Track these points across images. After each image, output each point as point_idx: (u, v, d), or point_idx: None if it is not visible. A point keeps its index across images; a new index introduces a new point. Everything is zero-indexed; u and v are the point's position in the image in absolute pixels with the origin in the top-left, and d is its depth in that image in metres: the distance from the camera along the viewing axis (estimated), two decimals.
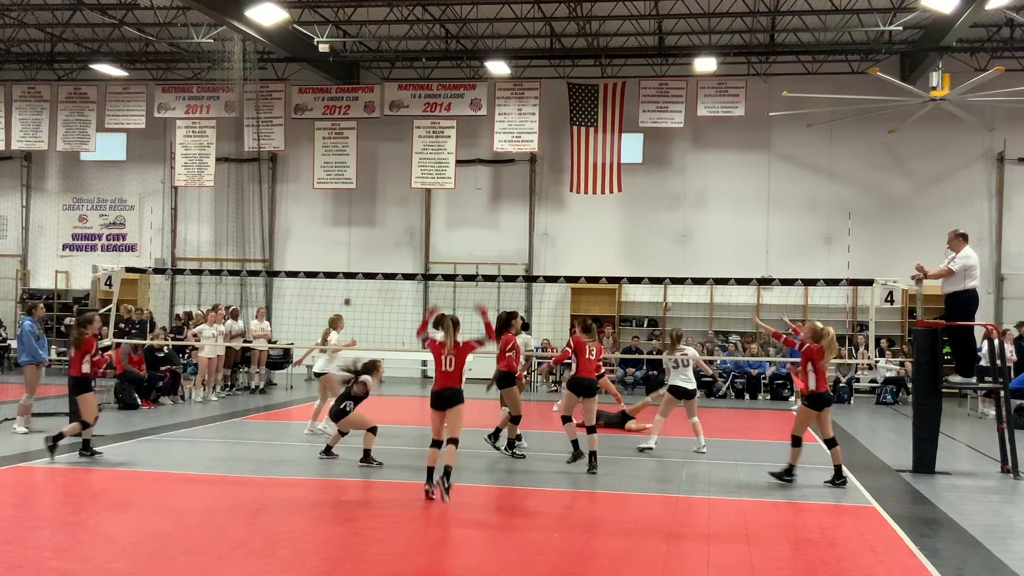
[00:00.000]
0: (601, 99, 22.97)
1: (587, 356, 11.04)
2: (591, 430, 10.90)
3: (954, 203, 22.59)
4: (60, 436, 11.02)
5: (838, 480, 10.42)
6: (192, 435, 13.53)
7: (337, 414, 11.14)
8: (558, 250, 24.35)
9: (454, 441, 9.28)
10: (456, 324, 9.50)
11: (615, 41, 23.12)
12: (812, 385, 10.43)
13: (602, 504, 9.56)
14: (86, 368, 11.35)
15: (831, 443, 10.54)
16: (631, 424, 14.99)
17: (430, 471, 9.28)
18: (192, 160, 24.48)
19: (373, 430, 10.99)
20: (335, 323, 14.21)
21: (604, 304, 23.68)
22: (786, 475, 10.54)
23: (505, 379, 11.81)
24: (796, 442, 10.50)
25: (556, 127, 23.79)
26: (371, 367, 11.33)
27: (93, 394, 11.49)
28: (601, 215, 23.99)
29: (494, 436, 12.11)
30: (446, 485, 8.99)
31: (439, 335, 9.57)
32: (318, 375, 13.79)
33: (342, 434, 11.36)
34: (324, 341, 13.97)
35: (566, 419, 11.14)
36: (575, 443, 10.87)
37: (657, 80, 23.21)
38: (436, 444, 9.33)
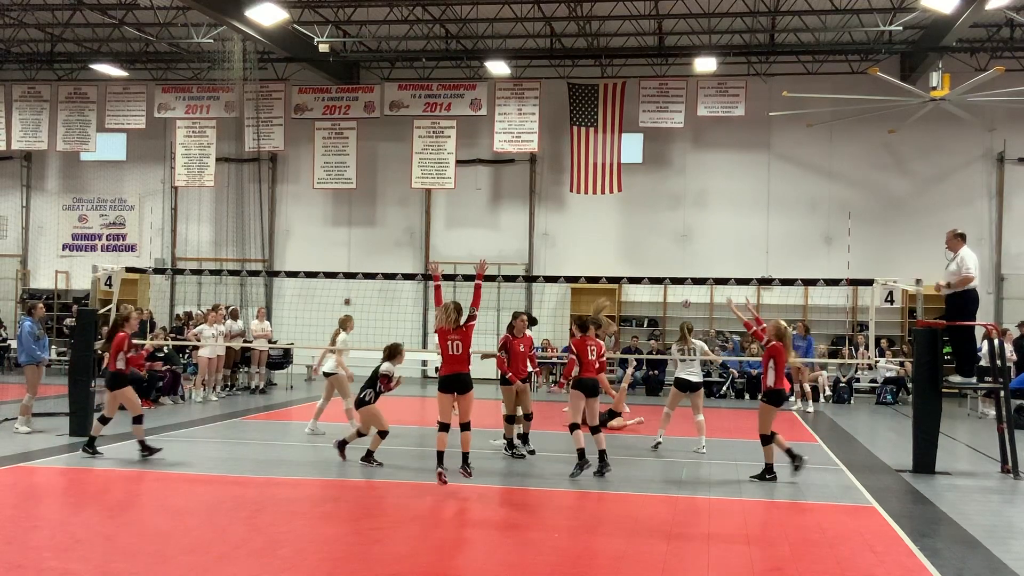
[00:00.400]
0: (601, 99, 22.96)
1: (588, 357, 11.03)
2: (595, 430, 10.86)
3: (954, 203, 22.61)
4: (142, 442, 11.27)
5: (768, 475, 10.63)
6: (192, 435, 13.53)
7: (359, 403, 11.12)
8: (558, 250, 24.36)
9: (467, 427, 9.90)
10: (459, 309, 9.94)
11: (615, 41, 23.12)
12: (771, 382, 10.64)
13: (602, 504, 9.56)
14: (120, 364, 11.36)
15: (768, 439, 10.74)
16: (614, 423, 15.01)
17: (440, 455, 9.63)
18: (192, 160, 24.48)
19: (383, 434, 10.97)
20: (345, 323, 14.15)
21: None
22: (767, 474, 10.65)
23: (501, 378, 12.10)
24: (766, 440, 10.71)
25: (556, 127, 23.79)
26: (393, 351, 11.27)
27: (130, 388, 11.49)
28: (601, 215, 23.98)
29: (523, 440, 12.10)
30: (469, 470, 9.71)
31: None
32: (327, 375, 13.75)
33: (360, 434, 11.26)
34: (334, 342, 13.89)
35: (574, 426, 10.81)
36: (581, 452, 10.57)
37: (657, 80, 23.22)
38: (444, 427, 9.75)
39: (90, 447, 11.26)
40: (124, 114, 25.09)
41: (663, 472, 11.34)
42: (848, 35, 21.59)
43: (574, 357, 10.94)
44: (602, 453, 10.72)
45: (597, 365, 11.02)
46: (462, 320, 9.95)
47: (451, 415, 10.00)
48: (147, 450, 11.27)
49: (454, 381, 9.86)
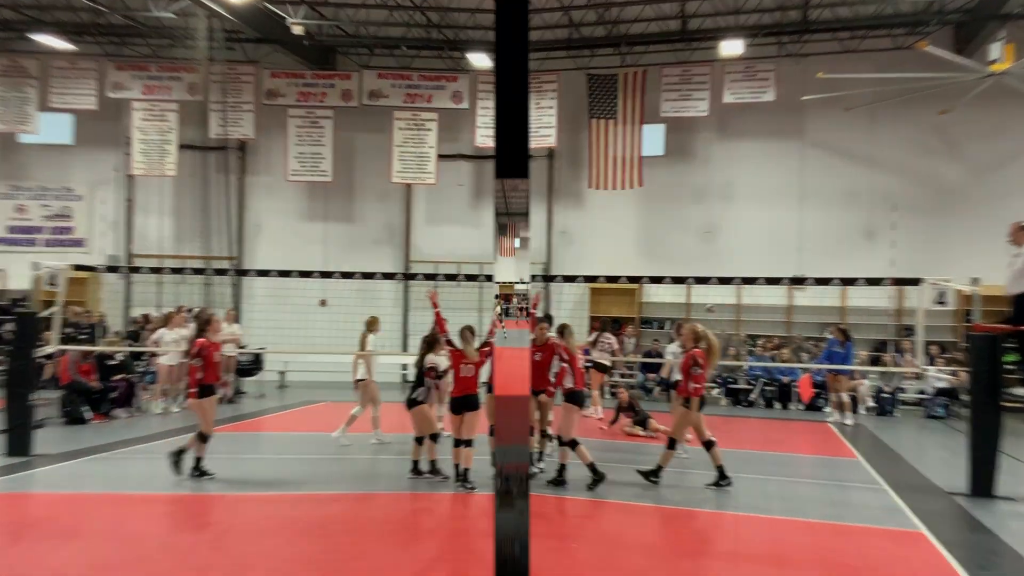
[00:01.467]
0: (620, 89, 23.19)
1: (578, 365, 11.34)
2: (575, 444, 11.08)
3: (1016, 192, 22.36)
4: (181, 451, 11.32)
5: (723, 481, 10.99)
6: (150, 451, 13.46)
7: (410, 403, 11.38)
8: (576, 248, 24.53)
9: (469, 443, 10.83)
10: (473, 333, 10.98)
11: (635, 27, 23.22)
12: (691, 388, 11.04)
13: (622, 516, 9.61)
14: (199, 374, 11.38)
15: (709, 444, 11.11)
16: (636, 428, 15.25)
17: (465, 470, 10.72)
18: (151, 146, 24.51)
19: (420, 440, 11.34)
20: (371, 325, 14.40)
21: (624, 305, 23.81)
22: (652, 476, 11.11)
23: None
24: (671, 444, 11.17)
25: (574, 121, 23.94)
26: (432, 342, 11.41)
27: (202, 401, 11.41)
28: (621, 211, 24.12)
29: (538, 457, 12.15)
30: (468, 487, 10.59)
31: (458, 342, 10.97)
32: (358, 382, 13.98)
33: (419, 442, 11.42)
34: (363, 347, 14.10)
35: (575, 443, 11.06)
36: (593, 467, 10.93)
37: (680, 67, 23.27)
38: (459, 443, 10.85)
39: (197, 469, 11.24)
40: (72, 92, 25.01)
41: (686, 484, 11.32)
42: (892, 7, 21.59)
43: (566, 365, 11.21)
44: (562, 468, 11.08)
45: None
46: (476, 345, 10.95)
47: (463, 432, 10.82)
48: (177, 462, 11.30)
49: (463, 403, 10.87)
